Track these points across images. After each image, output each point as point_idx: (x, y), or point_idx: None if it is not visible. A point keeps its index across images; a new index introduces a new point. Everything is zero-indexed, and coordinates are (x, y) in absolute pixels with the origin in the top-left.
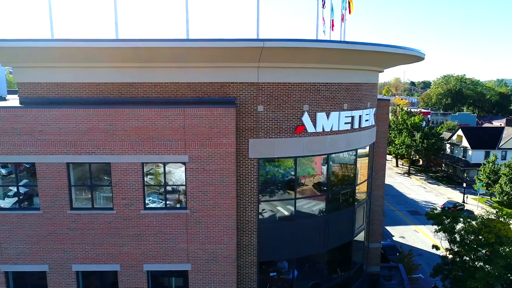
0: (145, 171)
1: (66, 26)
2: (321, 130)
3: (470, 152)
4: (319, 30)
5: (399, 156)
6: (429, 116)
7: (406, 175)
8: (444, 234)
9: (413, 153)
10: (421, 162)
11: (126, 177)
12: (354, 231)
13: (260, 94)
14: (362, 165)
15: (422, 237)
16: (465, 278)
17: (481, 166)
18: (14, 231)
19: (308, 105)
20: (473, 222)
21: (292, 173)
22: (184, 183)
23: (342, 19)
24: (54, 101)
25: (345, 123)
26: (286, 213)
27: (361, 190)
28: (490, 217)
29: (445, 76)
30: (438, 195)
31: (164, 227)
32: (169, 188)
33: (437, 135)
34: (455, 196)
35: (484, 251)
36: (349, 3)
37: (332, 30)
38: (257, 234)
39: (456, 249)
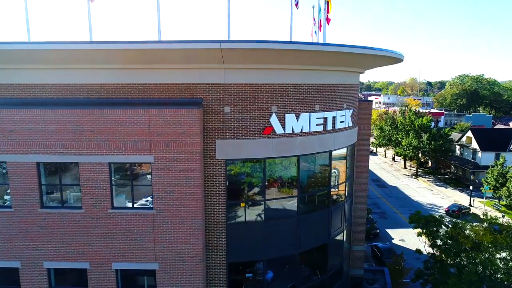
0: (124, 171)
1: (40, 28)
2: (291, 132)
3: (479, 154)
4: (311, 30)
5: (407, 158)
6: (442, 117)
7: (413, 177)
8: (427, 238)
9: (420, 154)
10: (430, 164)
11: (94, 176)
12: (330, 233)
13: (227, 95)
14: (340, 167)
15: (423, 241)
16: (440, 284)
17: (489, 169)
18: None
19: (276, 106)
20: (450, 228)
21: (262, 174)
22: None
23: (327, 20)
24: (26, 102)
25: (317, 125)
26: (255, 214)
27: (339, 192)
28: (482, 224)
29: (460, 76)
30: (444, 198)
31: (131, 227)
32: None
33: (445, 136)
34: (462, 199)
35: (461, 256)
36: (327, 3)
37: (320, 30)
38: (226, 235)
39: (437, 254)
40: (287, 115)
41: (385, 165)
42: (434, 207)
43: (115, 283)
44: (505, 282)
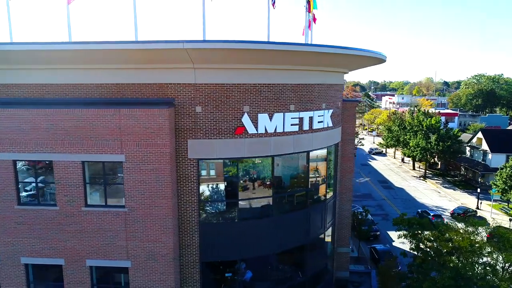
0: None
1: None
2: (264, 132)
3: (490, 156)
4: (303, 29)
5: (415, 159)
6: (456, 117)
7: (421, 178)
8: (409, 241)
9: (428, 156)
10: (439, 166)
11: (68, 175)
12: (309, 234)
13: (198, 95)
14: (320, 167)
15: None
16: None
17: (498, 171)
18: None
19: (249, 106)
20: (429, 232)
21: (238, 173)
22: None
23: (314, 19)
24: (3, 102)
25: (292, 125)
26: (229, 214)
27: (320, 192)
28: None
29: (476, 75)
30: (451, 200)
31: (104, 224)
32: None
33: (454, 137)
34: (471, 202)
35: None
36: (309, 2)
37: (310, 29)
38: (199, 235)
39: (420, 256)
40: (259, 115)
41: (394, 167)
42: (440, 209)
43: (89, 280)
44: None
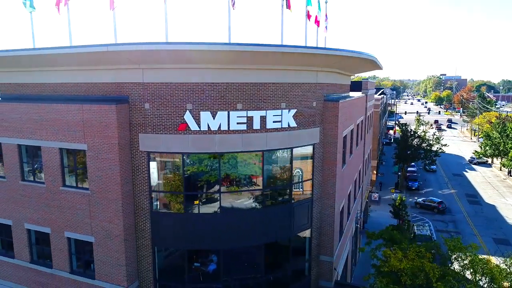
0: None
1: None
2: (207, 129)
3: None
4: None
5: None
6: None
7: None
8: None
9: None
10: None
11: (50, 158)
12: (266, 234)
13: (146, 93)
14: (285, 169)
15: None
16: None
17: None
18: None
19: (191, 104)
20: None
21: (185, 168)
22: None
23: (309, 17)
24: (11, 98)
25: (239, 123)
26: (177, 205)
27: (285, 193)
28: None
29: None
30: None
31: (75, 203)
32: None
33: None
34: None
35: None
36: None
37: (318, 25)
38: (150, 221)
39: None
40: (202, 113)
41: (495, 180)
42: None
43: (67, 249)
44: None
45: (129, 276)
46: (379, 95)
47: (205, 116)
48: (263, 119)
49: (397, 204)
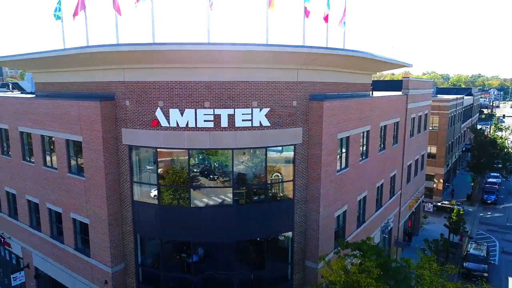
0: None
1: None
2: (176, 125)
3: None
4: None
5: None
6: None
7: None
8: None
9: None
10: None
11: (60, 147)
12: (235, 231)
13: (126, 91)
14: (259, 168)
15: None
16: None
17: None
18: (29, 176)
19: (162, 101)
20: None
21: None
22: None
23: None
24: (48, 95)
25: (206, 121)
26: (153, 196)
27: (259, 192)
28: None
29: None
30: None
31: (76, 188)
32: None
33: None
34: None
35: None
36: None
37: (326, 22)
38: (132, 209)
39: None
40: (171, 110)
41: None
42: None
43: (73, 228)
44: None
45: (114, 258)
46: (466, 95)
47: (174, 113)
48: (231, 117)
49: (453, 217)
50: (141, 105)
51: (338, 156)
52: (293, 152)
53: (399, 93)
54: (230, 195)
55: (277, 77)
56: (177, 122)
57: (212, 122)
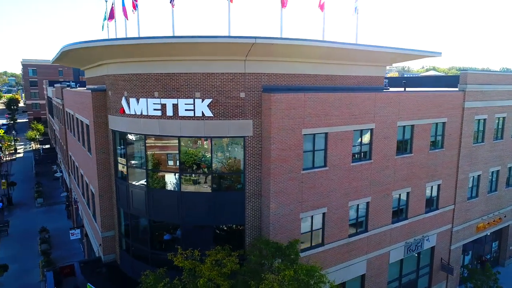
0: None
1: None
2: (134, 113)
3: None
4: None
5: None
6: None
7: None
8: None
9: None
10: None
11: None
12: (181, 215)
13: (108, 83)
14: (204, 158)
15: None
16: None
17: None
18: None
19: (126, 91)
20: None
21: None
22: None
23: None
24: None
25: (155, 110)
26: (138, 178)
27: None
28: None
29: None
30: None
31: (87, 163)
32: None
33: None
34: None
35: None
36: None
37: (322, 11)
38: (115, 187)
39: None
40: (131, 99)
41: None
42: None
43: (89, 196)
44: None
45: (104, 225)
46: None
47: (133, 102)
48: (175, 106)
49: None
50: (115, 95)
51: (304, 153)
52: (244, 144)
53: (454, 89)
54: (180, 181)
55: (223, 68)
56: (135, 110)
57: (160, 111)
